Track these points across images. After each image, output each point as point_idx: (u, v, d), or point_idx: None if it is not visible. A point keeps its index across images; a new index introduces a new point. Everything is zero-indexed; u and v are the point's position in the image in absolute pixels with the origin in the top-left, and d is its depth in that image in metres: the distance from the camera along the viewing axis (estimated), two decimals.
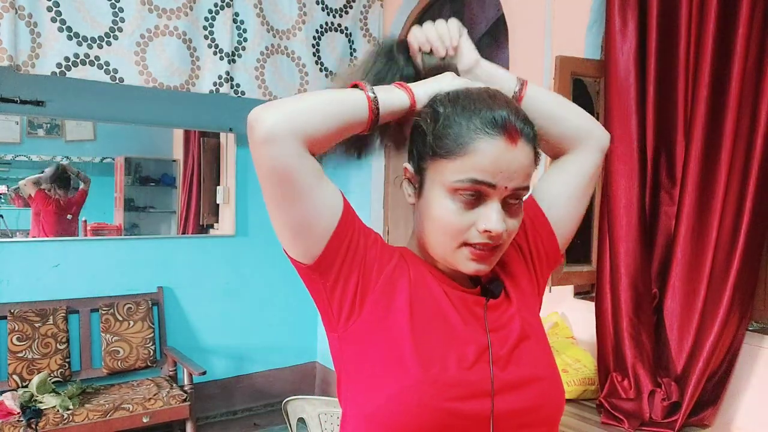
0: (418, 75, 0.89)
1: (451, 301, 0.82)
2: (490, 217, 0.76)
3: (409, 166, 0.84)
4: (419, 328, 0.78)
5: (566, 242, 0.97)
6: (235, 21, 2.94)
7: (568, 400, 1.99)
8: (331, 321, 0.81)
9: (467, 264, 0.79)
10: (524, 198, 0.81)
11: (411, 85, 0.83)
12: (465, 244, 0.78)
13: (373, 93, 0.78)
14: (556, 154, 0.96)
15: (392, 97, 0.80)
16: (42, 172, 3.52)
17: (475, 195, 0.76)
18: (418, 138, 0.82)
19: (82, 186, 3.64)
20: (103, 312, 3.29)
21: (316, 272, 0.79)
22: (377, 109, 0.78)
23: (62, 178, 3.57)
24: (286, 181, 0.73)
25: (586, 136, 0.93)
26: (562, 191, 0.94)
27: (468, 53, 0.90)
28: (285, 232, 0.78)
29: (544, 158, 0.92)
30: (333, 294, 0.79)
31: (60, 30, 2.50)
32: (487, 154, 0.75)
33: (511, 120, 0.76)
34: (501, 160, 0.75)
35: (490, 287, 0.86)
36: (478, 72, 0.89)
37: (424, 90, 0.82)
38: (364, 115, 0.77)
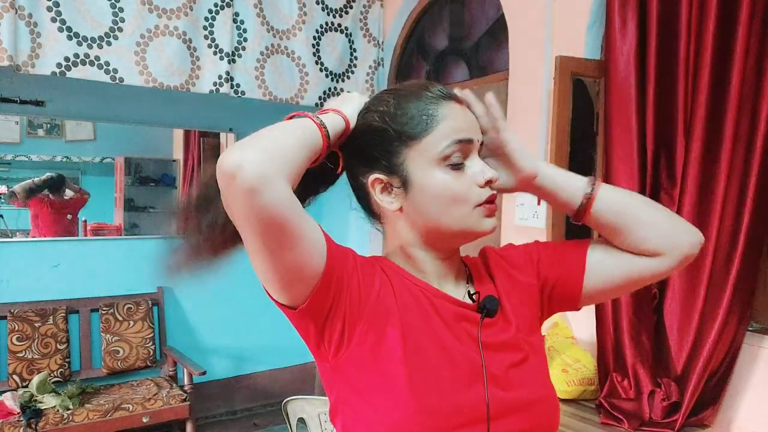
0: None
1: (442, 317, 0.79)
2: (483, 169, 0.80)
3: (379, 174, 0.80)
4: (413, 355, 0.75)
5: (587, 303, 0.91)
6: (235, 21, 2.94)
7: (569, 400, 1.99)
8: (321, 353, 0.78)
9: (484, 222, 0.80)
10: None
11: (333, 108, 0.80)
12: (477, 205, 0.79)
13: (319, 119, 0.76)
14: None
15: (333, 120, 0.78)
16: (33, 181, 3.51)
17: (460, 156, 0.79)
18: (376, 142, 0.80)
19: (80, 194, 3.63)
20: (103, 312, 3.29)
21: (306, 316, 0.75)
22: (328, 134, 0.75)
23: (54, 184, 3.56)
24: (277, 228, 0.67)
25: (670, 249, 0.84)
26: (613, 273, 0.87)
27: (523, 158, 0.85)
28: (274, 282, 0.73)
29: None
30: (322, 332, 0.76)
31: (60, 30, 2.50)
32: (454, 115, 0.79)
33: (444, 87, 0.82)
34: (465, 119, 0.80)
35: (486, 304, 0.82)
36: (539, 182, 0.86)
37: (351, 108, 0.82)
38: (320, 142, 0.74)
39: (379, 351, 0.75)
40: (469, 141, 0.79)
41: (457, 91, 0.83)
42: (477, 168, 0.80)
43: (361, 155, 0.82)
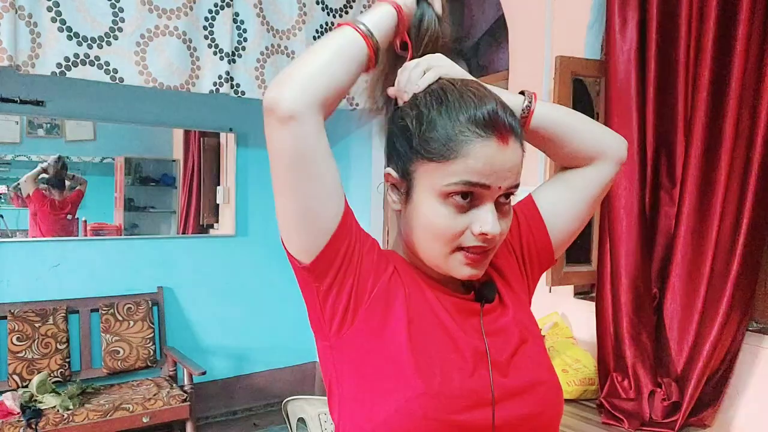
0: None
1: (446, 309, 0.80)
2: (486, 219, 0.74)
3: (392, 172, 0.80)
4: (418, 339, 0.75)
5: (563, 247, 0.95)
6: (235, 21, 2.94)
7: (568, 400, 1.99)
8: (323, 328, 0.78)
9: (461, 269, 0.77)
10: (517, 195, 0.80)
11: None
12: (459, 248, 0.76)
13: (364, 25, 0.75)
14: (566, 167, 0.93)
15: (379, 14, 0.77)
16: (44, 169, 3.52)
17: (468, 197, 0.74)
18: (401, 140, 0.78)
19: (78, 186, 3.64)
20: (103, 312, 3.29)
21: (312, 273, 0.75)
22: (374, 38, 0.75)
23: (58, 178, 3.57)
24: (305, 160, 0.70)
25: (602, 152, 0.89)
26: (566, 205, 0.92)
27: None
28: (290, 222, 0.74)
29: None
30: (326, 299, 0.76)
31: (60, 30, 2.50)
32: (480, 156, 0.72)
33: (500, 117, 0.73)
34: (494, 161, 0.73)
35: (483, 291, 0.84)
36: None
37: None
38: (365, 50, 0.74)
39: (384, 333, 0.75)
40: (485, 187, 0.73)
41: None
42: (481, 216, 0.74)
43: (388, 142, 0.82)
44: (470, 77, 0.82)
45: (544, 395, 0.80)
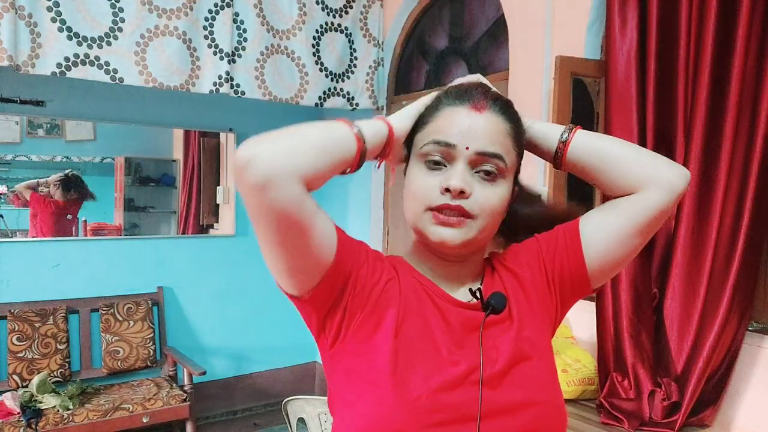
0: None
1: (445, 319, 0.79)
2: (450, 176, 0.76)
3: (405, 149, 0.87)
4: (403, 351, 0.75)
5: (602, 276, 0.88)
6: (235, 21, 2.94)
7: (569, 400, 1.99)
8: (321, 341, 0.80)
9: (431, 229, 0.78)
10: (506, 169, 0.80)
11: (388, 117, 0.83)
12: (429, 208, 0.78)
13: (357, 126, 0.76)
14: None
15: (372, 126, 0.78)
16: (39, 183, 3.50)
17: (441, 158, 0.78)
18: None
19: (87, 198, 3.63)
20: (103, 312, 3.29)
21: (309, 305, 0.77)
22: (364, 143, 0.76)
23: (66, 183, 3.56)
24: (285, 225, 0.69)
25: (649, 181, 0.82)
26: (609, 230, 0.85)
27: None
28: (281, 272, 0.75)
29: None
30: (325, 322, 0.78)
31: (60, 30, 2.50)
32: (448, 116, 0.78)
33: (479, 92, 0.80)
34: (462, 122, 0.77)
35: (491, 301, 0.81)
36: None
37: (399, 116, 0.83)
38: (352, 150, 0.75)
39: (370, 344, 0.77)
40: (449, 145, 0.77)
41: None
42: (448, 174, 0.77)
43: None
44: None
45: (540, 415, 0.77)
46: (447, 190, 0.76)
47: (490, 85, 0.85)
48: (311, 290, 0.75)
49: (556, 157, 0.86)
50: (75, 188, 3.57)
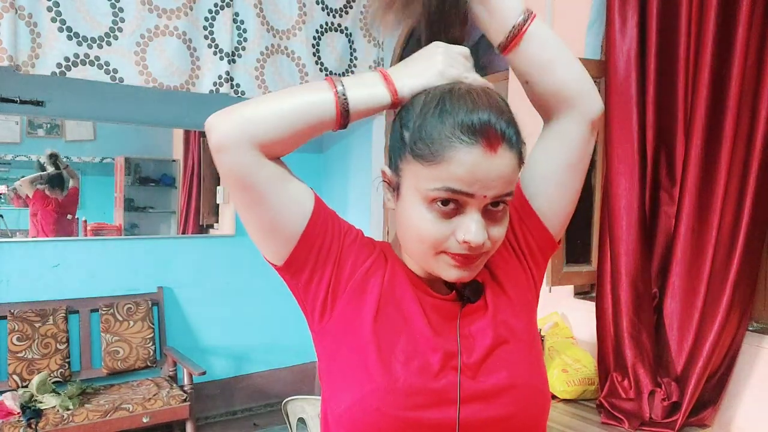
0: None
1: (423, 308, 0.79)
2: (470, 228, 0.71)
3: (387, 170, 0.79)
4: (383, 334, 0.76)
5: (561, 227, 0.89)
6: (235, 21, 2.94)
7: (569, 400, 1.99)
8: (308, 318, 0.82)
9: (449, 271, 0.75)
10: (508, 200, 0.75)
11: (393, 76, 0.75)
12: (444, 252, 0.74)
13: (343, 92, 0.72)
14: (543, 112, 0.86)
15: (367, 95, 0.74)
16: (42, 168, 3.52)
17: (451, 204, 0.71)
18: (398, 134, 0.76)
19: (72, 183, 3.63)
20: (103, 312, 3.29)
21: (287, 273, 0.80)
22: (346, 110, 0.73)
23: (57, 178, 3.56)
24: (245, 187, 0.73)
25: (574, 97, 0.81)
26: (545, 175, 0.85)
27: None
28: (254, 234, 0.78)
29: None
30: (307, 293, 0.80)
31: (60, 30, 2.50)
32: (463, 162, 0.69)
33: (491, 124, 0.70)
34: (478, 169, 0.69)
35: (465, 292, 0.81)
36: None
37: (410, 85, 0.75)
38: (331, 116, 0.73)
39: (354, 325, 0.78)
40: (467, 195, 0.70)
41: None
42: (465, 225, 0.72)
43: (390, 135, 0.80)
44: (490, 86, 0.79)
45: (520, 397, 0.77)
46: (464, 243, 0.72)
47: (495, 95, 0.76)
48: (286, 257, 0.77)
49: (504, 42, 0.81)
50: (64, 180, 3.57)
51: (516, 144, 0.73)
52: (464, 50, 0.79)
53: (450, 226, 0.72)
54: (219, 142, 0.72)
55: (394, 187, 0.78)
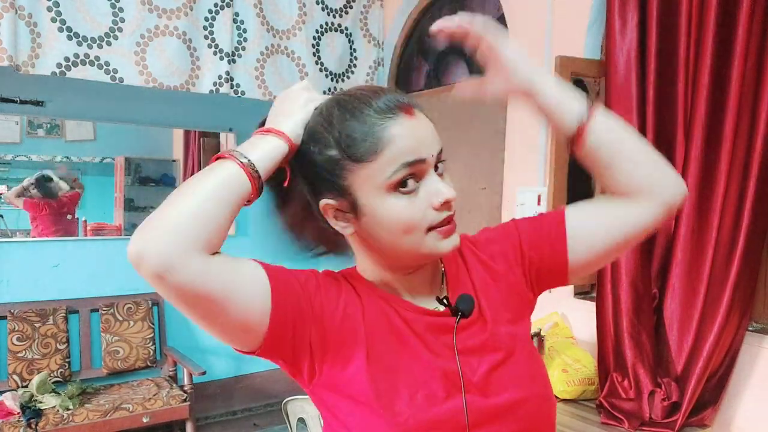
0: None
1: (414, 330, 0.76)
2: (439, 189, 0.72)
3: (328, 201, 0.75)
4: (380, 375, 0.73)
5: (578, 274, 0.86)
6: (235, 21, 2.94)
7: (569, 400, 1.99)
8: (298, 380, 0.78)
9: (440, 245, 0.74)
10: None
11: (272, 125, 0.74)
12: (430, 228, 0.73)
13: (246, 158, 0.69)
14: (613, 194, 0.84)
15: (267, 151, 0.72)
16: (24, 188, 3.49)
17: (412, 180, 0.72)
18: (322, 166, 0.74)
19: (76, 189, 3.63)
20: (103, 312, 3.29)
21: (268, 355, 0.74)
22: (257, 173, 0.70)
23: (42, 185, 3.52)
24: (202, 299, 0.66)
25: (651, 191, 0.79)
26: (595, 233, 0.82)
27: (518, 63, 0.82)
28: (224, 336, 0.72)
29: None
30: (294, 365, 0.75)
31: (60, 30, 2.50)
32: (401, 134, 0.71)
33: (396, 97, 0.73)
34: (415, 133, 0.72)
35: (459, 305, 0.79)
36: (534, 101, 0.80)
37: (291, 125, 0.74)
38: (247, 185, 0.69)
39: (347, 374, 0.74)
40: (421, 161, 0.71)
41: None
42: (432, 188, 0.72)
43: (308, 177, 0.76)
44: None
45: (530, 411, 0.76)
46: (444, 204, 0.72)
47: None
48: (262, 342, 0.72)
49: (571, 140, 0.79)
50: (57, 186, 3.56)
51: (420, 106, 0.75)
52: (302, 83, 0.80)
53: (421, 201, 0.72)
54: (162, 265, 0.63)
55: (349, 209, 0.75)
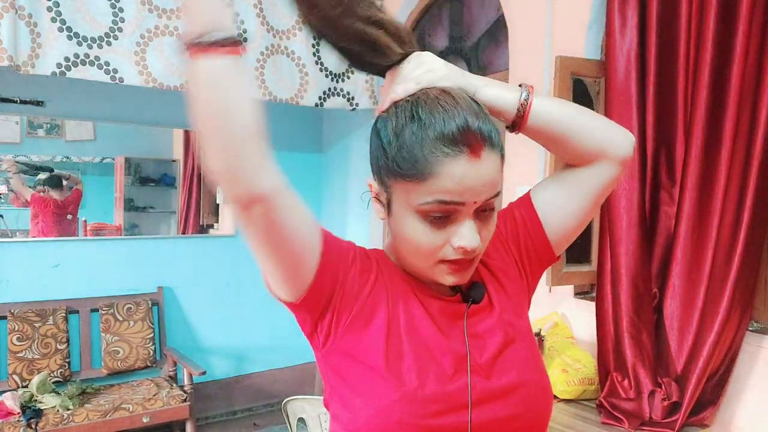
0: None
1: (429, 313, 0.80)
2: (464, 235, 0.73)
3: (374, 183, 0.80)
4: (396, 347, 0.77)
5: (563, 246, 0.92)
6: (235, 21, 2.94)
7: (569, 400, 1.99)
8: (314, 342, 0.81)
9: (446, 278, 0.78)
10: (502, 200, 0.79)
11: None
12: (441, 261, 0.76)
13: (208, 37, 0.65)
14: (569, 165, 0.89)
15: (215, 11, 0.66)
16: (35, 176, 3.51)
17: (445, 214, 0.73)
18: (380, 152, 0.77)
19: (75, 186, 3.63)
20: (103, 312, 3.29)
21: (303, 309, 0.77)
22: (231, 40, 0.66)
23: (55, 179, 3.57)
24: (277, 228, 0.69)
25: (605, 152, 0.84)
26: (564, 204, 0.88)
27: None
28: (276, 279, 0.75)
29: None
30: (317, 324, 0.79)
31: (60, 30, 2.50)
32: (451, 175, 0.70)
33: (470, 129, 0.70)
34: (466, 178, 0.70)
35: (470, 293, 0.83)
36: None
37: (402, 89, 0.78)
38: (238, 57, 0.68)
39: (363, 340, 0.77)
40: (459, 204, 0.72)
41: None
42: (458, 231, 0.74)
43: (371, 151, 0.80)
44: (459, 82, 0.79)
45: (528, 395, 0.79)
46: (460, 249, 0.74)
47: (462, 96, 0.76)
48: (303, 294, 0.75)
49: (514, 126, 0.83)
50: (62, 180, 3.57)
51: (497, 141, 0.74)
52: (444, 65, 0.81)
53: (444, 235, 0.74)
54: (252, 196, 0.66)
55: (385, 202, 0.79)
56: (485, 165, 0.72)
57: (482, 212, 0.75)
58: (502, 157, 0.75)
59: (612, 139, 0.84)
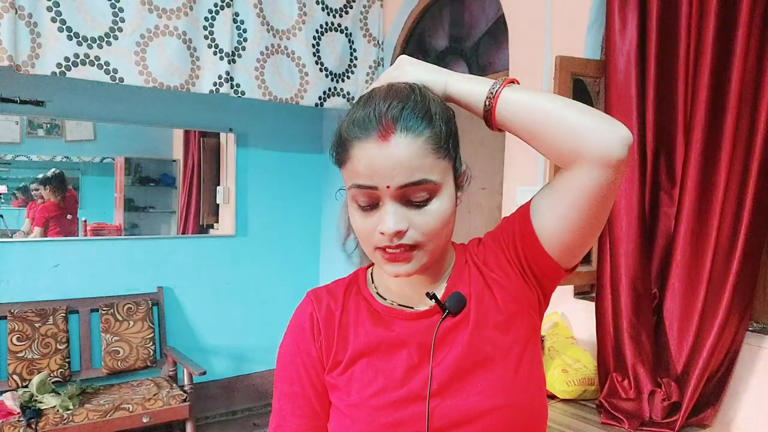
0: None
1: (397, 334, 0.80)
2: (383, 219, 0.72)
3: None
4: (357, 377, 0.80)
5: (569, 259, 0.81)
6: (235, 21, 2.94)
7: (569, 400, 1.99)
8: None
9: (386, 267, 0.76)
10: (437, 187, 0.73)
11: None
12: (377, 248, 0.75)
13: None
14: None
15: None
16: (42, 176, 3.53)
17: (368, 199, 0.73)
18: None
19: (69, 187, 3.64)
20: (103, 312, 3.29)
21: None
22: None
23: (57, 177, 3.57)
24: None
25: (579, 152, 0.71)
26: (554, 215, 0.77)
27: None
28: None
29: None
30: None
31: (60, 30, 2.50)
32: (360, 157, 0.71)
33: (382, 113, 0.70)
34: (374, 161, 0.70)
35: (447, 304, 0.79)
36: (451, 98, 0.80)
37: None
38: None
39: (332, 376, 0.83)
40: (371, 188, 0.71)
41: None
42: (381, 216, 0.73)
43: None
44: (423, 77, 0.78)
45: (498, 423, 0.74)
46: (384, 234, 0.73)
47: (405, 87, 0.75)
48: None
49: (486, 119, 0.77)
50: (65, 181, 3.58)
51: (415, 129, 0.71)
52: (409, 62, 0.82)
53: (373, 221, 0.74)
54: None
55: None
56: (395, 149, 0.70)
57: (416, 200, 0.72)
58: (432, 138, 0.72)
59: (586, 136, 0.70)
